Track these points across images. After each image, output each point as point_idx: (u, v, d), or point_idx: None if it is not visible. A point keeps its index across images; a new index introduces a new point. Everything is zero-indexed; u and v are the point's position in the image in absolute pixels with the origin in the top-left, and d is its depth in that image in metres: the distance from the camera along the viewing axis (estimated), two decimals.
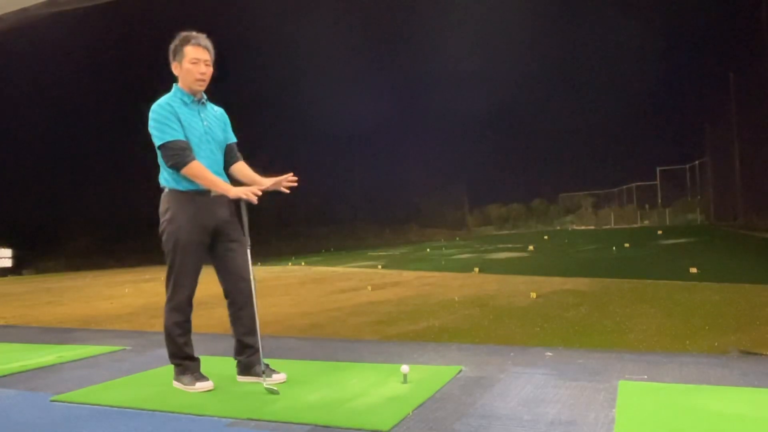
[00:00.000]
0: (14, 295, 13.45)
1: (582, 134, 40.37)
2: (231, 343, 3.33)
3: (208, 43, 3.20)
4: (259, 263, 18.46)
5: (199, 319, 3.66)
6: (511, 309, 6.61)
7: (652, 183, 32.95)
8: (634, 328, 5.14)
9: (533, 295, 7.39)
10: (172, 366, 3.25)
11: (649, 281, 8.39)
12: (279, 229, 31.71)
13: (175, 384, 3.21)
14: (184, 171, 3.07)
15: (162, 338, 3.23)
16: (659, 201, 31.97)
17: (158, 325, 3.67)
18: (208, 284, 3.31)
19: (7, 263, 24.89)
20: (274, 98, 33.17)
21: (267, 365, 3.20)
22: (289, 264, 19.07)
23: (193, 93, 3.21)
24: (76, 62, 26.11)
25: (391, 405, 2.71)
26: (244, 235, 3.24)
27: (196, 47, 3.15)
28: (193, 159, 3.08)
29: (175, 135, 3.07)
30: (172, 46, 3.18)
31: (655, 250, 14.17)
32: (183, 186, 3.13)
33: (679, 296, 6.82)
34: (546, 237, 24.15)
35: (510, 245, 20.05)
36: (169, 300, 3.17)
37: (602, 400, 2.67)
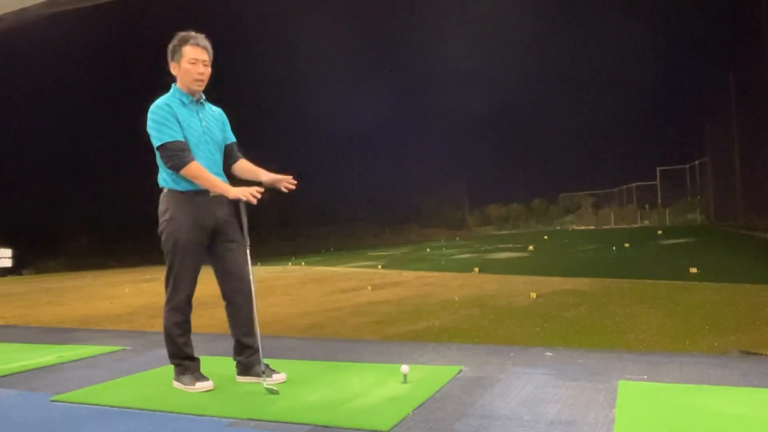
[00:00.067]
0: (14, 295, 13.46)
1: (582, 134, 40.31)
2: (231, 343, 3.33)
3: (206, 43, 3.19)
4: (259, 263, 18.46)
5: (199, 319, 3.66)
6: (511, 309, 6.61)
7: (652, 183, 32.92)
8: (634, 328, 5.14)
9: (533, 295, 7.39)
10: (172, 366, 3.25)
11: (649, 281, 8.39)
12: (279, 229, 31.74)
13: (175, 384, 3.21)
14: (183, 171, 3.06)
15: (162, 338, 3.23)
16: (659, 201, 31.94)
17: (158, 325, 3.67)
18: (208, 284, 3.30)
19: (7, 263, 24.88)
20: (274, 98, 33.21)
21: (267, 365, 3.20)
22: (289, 264, 19.07)
23: (192, 93, 3.21)
24: (76, 62, 26.14)
25: (391, 405, 2.71)
26: (243, 235, 3.24)
27: (195, 47, 3.15)
28: (192, 159, 3.08)
29: (174, 135, 3.07)
30: (170, 46, 3.18)
31: (655, 250, 14.16)
32: (182, 186, 3.13)
33: (679, 296, 6.82)
34: (546, 237, 24.14)
35: (510, 245, 20.05)
36: (169, 300, 3.17)
37: (602, 400, 2.67)
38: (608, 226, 31.22)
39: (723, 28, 23.24)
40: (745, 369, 3.19)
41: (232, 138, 3.42)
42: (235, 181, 3.30)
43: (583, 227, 33.52)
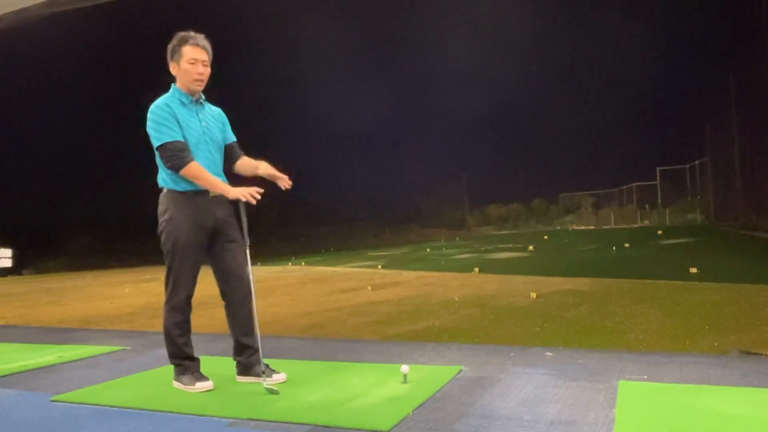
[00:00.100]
0: (14, 295, 13.46)
1: (582, 134, 40.35)
2: (231, 343, 3.33)
3: (206, 43, 3.19)
4: (259, 263, 18.46)
5: (198, 319, 3.66)
6: (511, 309, 6.61)
7: (652, 183, 32.94)
8: (634, 328, 5.14)
9: (533, 295, 7.39)
10: (172, 366, 3.25)
11: (649, 281, 8.39)
12: (279, 229, 31.75)
13: (175, 384, 3.21)
14: (183, 172, 3.06)
15: (162, 338, 3.23)
16: (659, 201, 31.94)
17: (158, 325, 3.67)
18: (208, 284, 3.30)
19: (7, 263, 24.87)
20: (274, 98, 33.22)
21: (267, 365, 3.20)
22: (289, 264, 19.07)
23: (191, 93, 3.20)
24: (76, 62, 26.15)
25: (391, 405, 2.71)
26: (242, 235, 3.24)
27: (194, 47, 3.14)
28: (192, 160, 3.08)
29: (174, 136, 3.07)
30: (170, 47, 3.18)
31: (655, 250, 14.16)
32: (181, 186, 3.13)
33: (679, 296, 6.82)
34: (546, 237, 24.15)
35: (510, 245, 20.06)
36: (168, 300, 3.17)
37: (602, 400, 2.67)
38: (608, 226, 31.23)
39: (723, 28, 23.25)
40: (745, 369, 3.19)
41: (232, 137, 3.41)
42: (235, 181, 3.30)
43: (583, 227, 33.53)
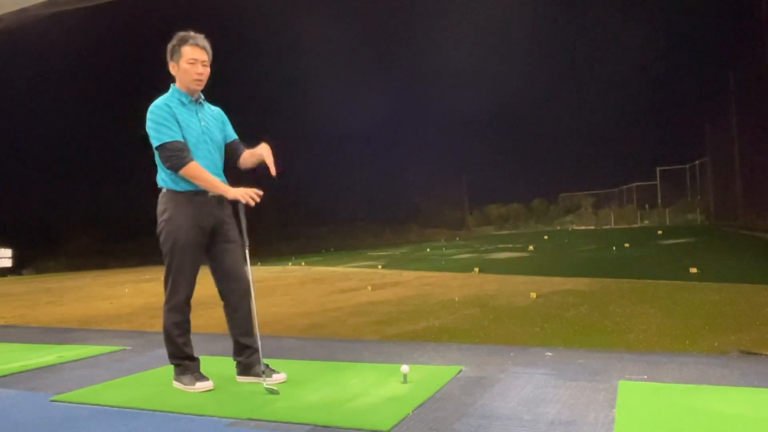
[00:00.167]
0: (14, 295, 13.45)
1: (582, 134, 40.39)
2: (230, 343, 3.33)
3: (205, 43, 3.19)
4: (259, 263, 18.47)
5: (198, 319, 3.66)
6: (511, 309, 6.61)
7: (652, 183, 32.93)
8: (634, 328, 5.14)
9: (533, 295, 7.39)
10: (172, 366, 3.25)
11: (649, 281, 8.38)
12: (279, 229, 31.74)
13: (175, 384, 3.21)
14: (182, 172, 3.06)
15: (162, 338, 3.23)
16: (659, 201, 31.94)
17: (158, 325, 3.67)
18: (208, 284, 3.30)
19: (7, 263, 24.89)
20: (274, 98, 33.20)
21: (267, 365, 3.20)
22: (289, 264, 19.07)
23: (191, 93, 3.21)
24: (76, 62, 26.13)
25: (391, 405, 2.71)
26: (241, 235, 3.24)
27: (194, 47, 3.14)
28: (191, 160, 3.08)
29: (173, 136, 3.07)
30: (169, 46, 3.18)
31: (655, 250, 14.16)
32: (181, 186, 3.13)
33: (679, 296, 6.81)
34: (546, 237, 24.14)
35: (510, 245, 20.05)
36: (168, 300, 3.17)
37: (602, 400, 2.67)
38: (608, 226, 31.23)
39: (723, 28, 23.26)
40: (745, 369, 3.19)
41: (233, 135, 3.41)
42: (235, 181, 3.30)
43: (583, 227, 33.53)
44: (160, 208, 3.18)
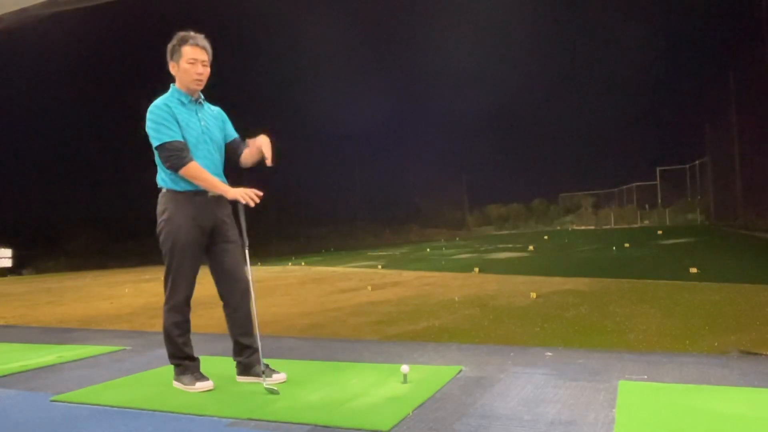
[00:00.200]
0: (14, 295, 13.45)
1: (582, 134, 40.40)
2: (230, 343, 3.33)
3: (205, 43, 3.19)
4: (259, 263, 18.47)
5: (198, 319, 3.66)
6: (511, 309, 6.61)
7: (652, 183, 32.93)
8: (634, 328, 5.14)
9: (533, 295, 7.39)
10: (172, 366, 3.25)
11: (649, 281, 8.38)
12: (279, 229, 31.73)
13: (175, 384, 3.21)
14: (182, 172, 3.06)
15: (162, 338, 3.23)
16: (659, 201, 31.94)
17: (158, 325, 3.67)
18: (208, 284, 3.30)
19: (7, 263, 24.88)
20: (274, 98, 33.20)
21: (267, 365, 3.20)
22: (289, 264, 19.07)
23: (191, 93, 3.20)
24: (76, 62, 26.13)
25: (391, 405, 2.71)
26: (241, 236, 3.24)
27: (194, 47, 3.14)
28: (191, 160, 3.08)
29: (173, 136, 3.07)
30: (169, 46, 3.18)
31: (655, 250, 14.16)
32: (180, 186, 3.13)
33: (679, 296, 6.81)
34: (546, 237, 24.14)
35: (510, 245, 20.05)
36: (168, 300, 3.17)
37: (602, 400, 2.67)
38: (608, 226, 31.23)
39: (723, 28, 23.25)
40: (745, 369, 3.19)
41: (234, 134, 3.41)
42: (235, 181, 3.30)
43: (583, 227, 33.52)
44: (159, 208, 3.18)
